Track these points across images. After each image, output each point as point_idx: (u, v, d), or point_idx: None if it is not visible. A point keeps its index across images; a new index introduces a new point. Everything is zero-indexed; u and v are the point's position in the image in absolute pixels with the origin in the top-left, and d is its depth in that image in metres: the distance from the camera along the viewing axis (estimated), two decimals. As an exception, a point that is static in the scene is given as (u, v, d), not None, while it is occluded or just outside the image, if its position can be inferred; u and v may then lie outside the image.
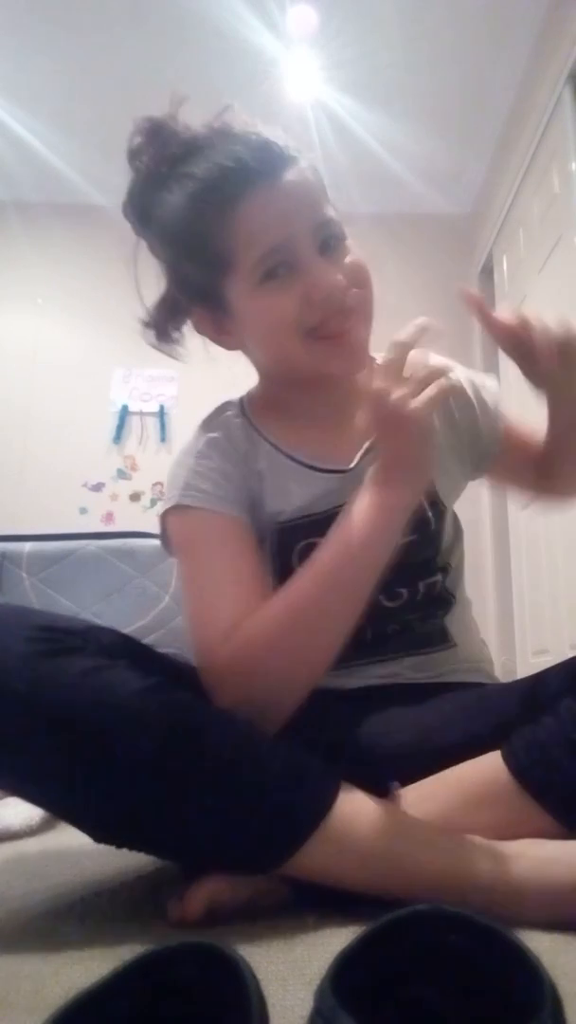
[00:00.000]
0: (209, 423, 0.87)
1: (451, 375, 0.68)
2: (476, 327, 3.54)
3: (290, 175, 0.74)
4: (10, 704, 0.58)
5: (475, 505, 3.38)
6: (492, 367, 3.31)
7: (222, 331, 0.83)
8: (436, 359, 0.70)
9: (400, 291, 3.68)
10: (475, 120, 3.18)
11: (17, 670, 0.59)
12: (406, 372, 0.68)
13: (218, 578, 0.76)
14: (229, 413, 0.88)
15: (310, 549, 0.80)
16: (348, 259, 0.77)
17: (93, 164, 3.44)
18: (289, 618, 0.69)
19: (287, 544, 0.82)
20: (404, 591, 0.83)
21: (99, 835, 0.64)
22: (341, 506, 0.80)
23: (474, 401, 0.89)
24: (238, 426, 0.86)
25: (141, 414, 3.68)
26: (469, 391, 0.89)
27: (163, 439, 3.65)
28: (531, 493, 0.95)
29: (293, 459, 0.84)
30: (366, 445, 0.83)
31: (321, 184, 0.79)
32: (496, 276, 3.32)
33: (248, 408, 0.89)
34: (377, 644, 0.84)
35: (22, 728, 0.59)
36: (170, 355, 0.89)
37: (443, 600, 0.87)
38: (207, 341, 0.86)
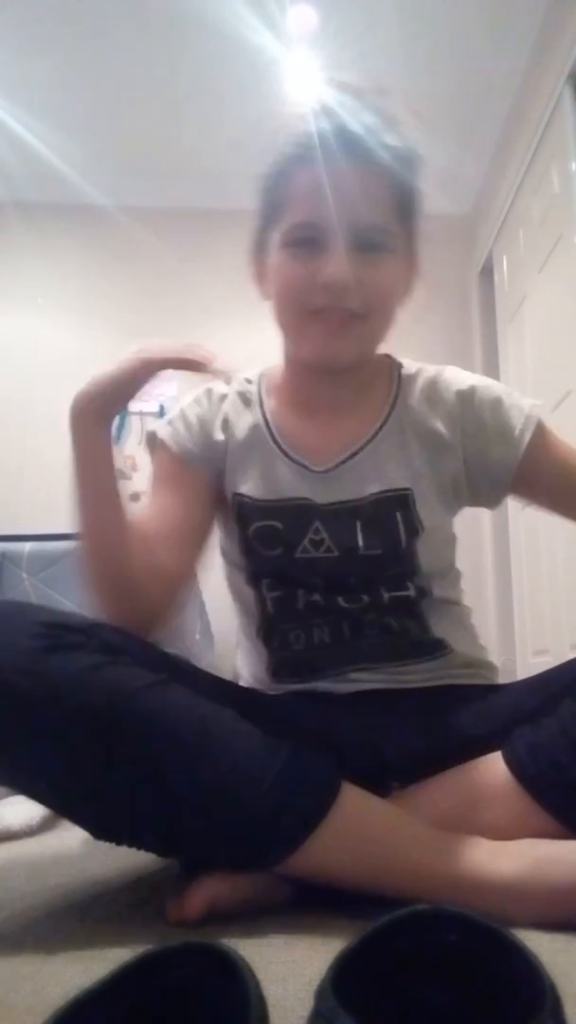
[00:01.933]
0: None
1: None
2: (476, 327, 3.55)
3: (366, 168, 0.74)
4: (12, 698, 0.59)
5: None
6: (492, 368, 3.31)
7: (263, 278, 0.85)
8: None
9: (400, 291, 3.68)
10: (475, 120, 3.18)
11: (20, 665, 0.59)
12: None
13: (148, 503, 0.86)
14: (243, 376, 0.93)
15: (264, 531, 0.82)
16: (375, 273, 0.76)
17: (93, 164, 3.44)
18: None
19: (244, 519, 0.84)
20: (365, 597, 0.82)
21: (99, 832, 0.64)
22: (300, 499, 0.82)
23: (488, 423, 0.83)
24: (241, 391, 0.90)
25: (141, 414, 3.68)
26: (486, 412, 0.83)
27: (163, 439, 3.65)
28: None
29: (276, 441, 0.86)
30: (350, 452, 0.84)
31: (400, 193, 0.78)
32: (496, 276, 3.32)
33: (263, 378, 0.92)
34: (360, 646, 0.83)
35: (24, 723, 0.59)
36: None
37: (416, 612, 0.84)
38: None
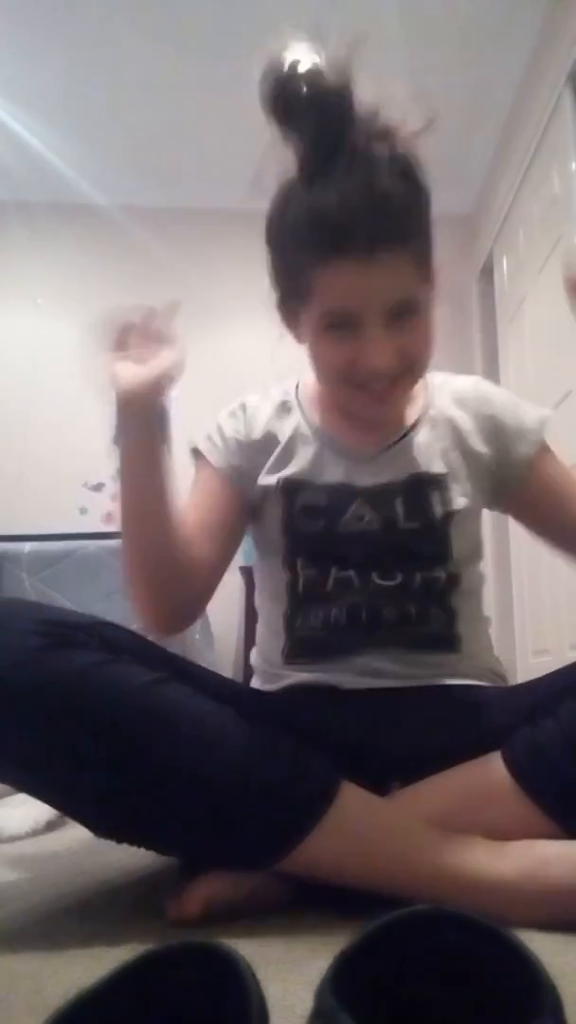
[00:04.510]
0: (255, 394, 0.96)
1: None
2: (476, 327, 3.55)
3: (389, 253, 0.72)
4: (15, 695, 0.59)
5: (475, 505, 3.38)
6: (492, 368, 3.31)
7: (294, 325, 0.84)
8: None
9: (400, 291, 3.68)
10: (475, 120, 3.18)
11: (23, 662, 0.60)
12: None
13: (188, 500, 0.90)
14: (279, 390, 0.96)
15: (308, 505, 0.85)
16: (411, 338, 0.76)
17: (93, 164, 3.44)
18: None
19: (290, 496, 0.86)
20: (399, 574, 0.83)
21: (100, 829, 0.64)
22: (342, 483, 0.85)
23: (503, 420, 0.90)
24: (280, 401, 0.94)
25: (141, 414, 3.68)
26: (508, 415, 0.90)
27: (163, 439, 3.64)
28: (559, 549, 0.92)
29: (319, 436, 0.89)
30: (388, 443, 0.87)
31: (421, 251, 0.79)
32: (496, 276, 3.32)
33: (300, 390, 0.95)
34: (375, 631, 0.83)
35: (26, 719, 0.59)
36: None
37: (443, 602, 0.85)
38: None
